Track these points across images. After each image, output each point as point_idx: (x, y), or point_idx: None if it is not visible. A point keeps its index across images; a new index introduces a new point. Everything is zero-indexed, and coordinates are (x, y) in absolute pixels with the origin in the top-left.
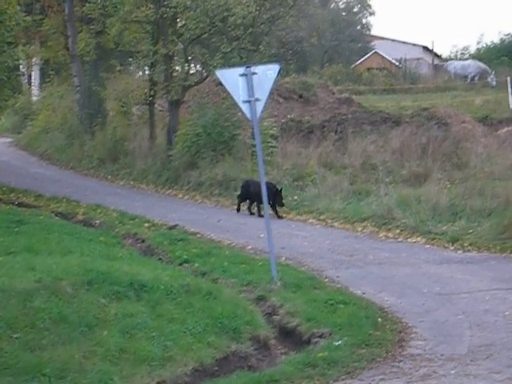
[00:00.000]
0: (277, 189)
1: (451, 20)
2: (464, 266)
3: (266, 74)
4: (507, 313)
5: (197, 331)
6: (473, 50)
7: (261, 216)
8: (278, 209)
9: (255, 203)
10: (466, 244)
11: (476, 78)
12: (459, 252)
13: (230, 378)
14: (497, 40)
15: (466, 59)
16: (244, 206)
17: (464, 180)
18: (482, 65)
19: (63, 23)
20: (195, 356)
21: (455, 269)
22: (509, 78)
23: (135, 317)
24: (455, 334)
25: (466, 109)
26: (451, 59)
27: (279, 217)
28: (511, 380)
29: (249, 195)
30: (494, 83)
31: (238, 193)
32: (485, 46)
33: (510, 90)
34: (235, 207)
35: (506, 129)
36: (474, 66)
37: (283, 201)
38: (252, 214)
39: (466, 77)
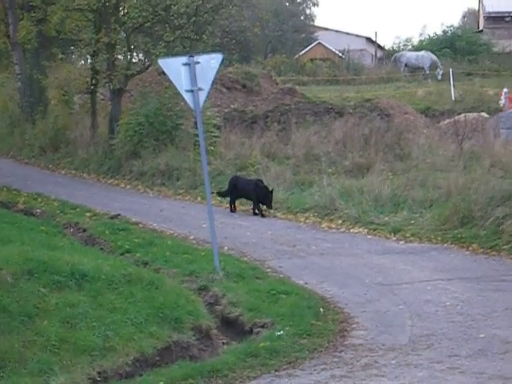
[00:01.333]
0: (267, 189)
1: (394, 11)
2: (406, 256)
3: (209, 63)
4: (448, 303)
5: (138, 321)
6: (416, 41)
7: (256, 214)
8: (262, 207)
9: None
10: (407, 235)
11: (428, 70)
12: (401, 242)
13: (171, 368)
14: (439, 32)
15: (419, 50)
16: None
17: (406, 171)
18: (433, 56)
19: (4, 10)
20: (136, 346)
21: (397, 259)
22: (451, 70)
23: (76, 307)
24: (396, 324)
25: (408, 100)
26: (394, 50)
27: (262, 215)
28: (452, 370)
29: (236, 192)
30: (440, 77)
31: (223, 189)
32: (427, 37)
33: (452, 81)
34: (178, 197)
35: (447, 120)
36: (427, 57)
37: (272, 203)
38: (232, 211)
39: (419, 68)
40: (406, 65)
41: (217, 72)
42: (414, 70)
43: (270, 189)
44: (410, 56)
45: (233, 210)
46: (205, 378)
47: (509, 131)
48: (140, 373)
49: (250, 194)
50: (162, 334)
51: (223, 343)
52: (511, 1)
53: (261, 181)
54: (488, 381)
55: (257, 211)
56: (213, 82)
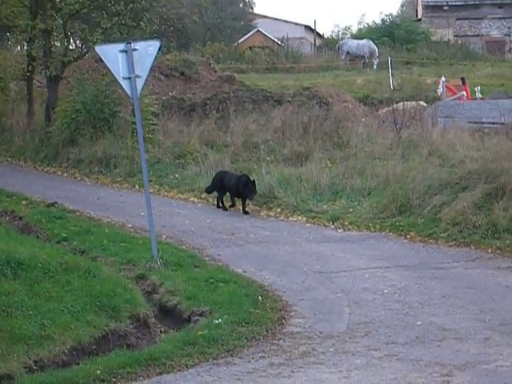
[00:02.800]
0: (249, 180)
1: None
2: (344, 244)
3: (147, 50)
4: (386, 291)
5: (75, 310)
6: (354, 30)
7: (246, 213)
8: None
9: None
10: (346, 223)
11: (367, 59)
12: (339, 231)
13: (108, 357)
14: (378, 20)
15: (359, 39)
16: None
17: (345, 159)
18: (373, 45)
19: None
20: (73, 335)
21: (335, 247)
22: (389, 59)
23: (12, 295)
24: (334, 311)
25: (347, 88)
26: (333, 39)
27: (245, 212)
28: (389, 357)
29: (222, 187)
30: (375, 67)
31: (208, 185)
32: (366, 26)
33: (390, 70)
34: (116, 185)
35: (386, 109)
36: (367, 45)
37: (253, 194)
38: (220, 207)
39: (360, 56)
40: (347, 53)
41: (154, 59)
42: (355, 58)
43: (252, 179)
44: (351, 44)
45: (220, 206)
46: (142, 367)
47: (446, 120)
48: (77, 361)
49: (232, 188)
50: (99, 323)
51: (161, 332)
52: None
53: (245, 175)
54: (425, 368)
55: (247, 209)
56: (150, 70)
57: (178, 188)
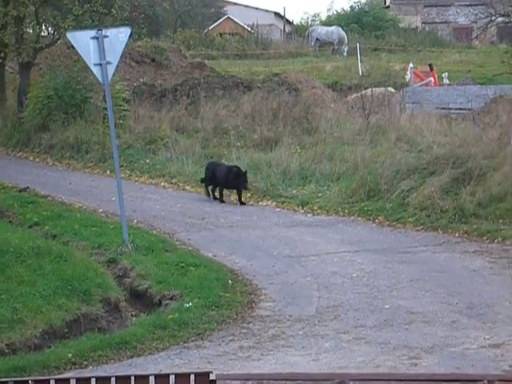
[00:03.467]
0: (241, 171)
1: None
2: (313, 228)
3: (118, 37)
4: (354, 275)
5: (47, 293)
6: (324, 16)
7: (242, 203)
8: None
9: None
10: (315, 207)
11: (339, 45)
12: (309, 215)
13: (79, 340)
14: (347, 7)
15: (328, 25)
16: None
17: (314, 145)
18: (342, 32)
19: None
20: (45, 318)
21: (305, 232)
22: (358, 45)
23: None
24: (304, 295)
25: (316, 75)
26: (303, 26)
27: (241, 203)
28: (357, 340)
29: (214, 179)
30: (345, 53)
31: (202, 176)
32: (335, 13)
33: (359, 56)
34: (87, 170)
35: (354, 95)
36: (336, 32)
37: (247, 184)
38: (216, 199)
39: (330, 43)
40: (317, 39)
41: (125, 46)
42: (325, 44)
43: (244, 170)
44: (321, 31)
45: (215, 197)
46: (113, 350)
47: (414, 105)
48: (48, 345)
49: (224, 180)
50: (71, 307)
51: (132, 315)
52: None
53: (236, 166)
54: (393, 351)
55: (219, 196)
56: (121, 56)
57: (148, 173)
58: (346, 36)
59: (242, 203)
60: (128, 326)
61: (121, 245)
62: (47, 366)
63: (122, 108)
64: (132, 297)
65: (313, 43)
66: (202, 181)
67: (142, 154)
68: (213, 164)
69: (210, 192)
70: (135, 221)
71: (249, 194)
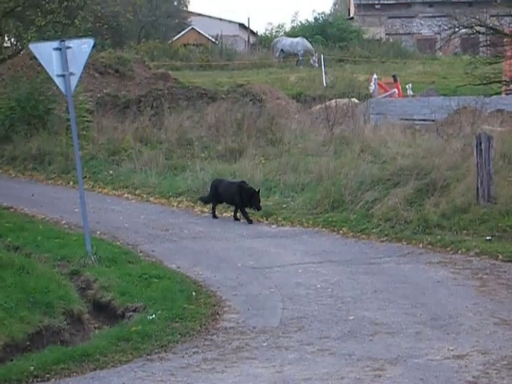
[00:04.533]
0: (254, 190)
1: None
2: (277, 240)
3: (81, 48)
4: (319, 286)
5: (8, 306)
6: (288, 28)
7: (237, 219)
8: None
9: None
10: (279, 218)
11: (303, 56)
12: (273, 226)
13: (42, 353)
14: (311, 18)
15: (293, 36)
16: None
17: (278, 155)
18: (307, 44)
19: None
20: (7, 331)
21: (269, 243)
22: (322, 56)
23: None
24: (268, 306)
25: (280, 86)
26: (267, 37)
27: (249, 221)
28: (322, 351)
29: (218, 196)
30: (317, 65)
31: (206, 194)
32: (299, 24)
33: (323, 67)
34: (50, 181)
35: (318, 106)
36: (302, 44)
37: (260, 204)
38: (215, 217)
39: (295, 54)
40: (282, 50)
41: (89, 57)
42: (289, 56)
43: (257, 189)
44: (286, 42)
45: (216, 216)
46: (76, 363)
47: (378, 117)
48: (10, 358)
49: (234, 197)
50: (33, 319)
51: (95, 328)
52: None
53: (244, 182)
54: (357, 362)
55: (238, 216)
56: (84, 67)
57: (112, 184)
58: (312, 47)
59: (237, 219)
60: (91, 339)
61: (84, 256)
62: (9, 379)
63: (86, 119)
64: (95, 309)
65: (277, 54)
66: (202, 200)
67: (105, 165)
68: (218, 181)
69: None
70: (98, 232)
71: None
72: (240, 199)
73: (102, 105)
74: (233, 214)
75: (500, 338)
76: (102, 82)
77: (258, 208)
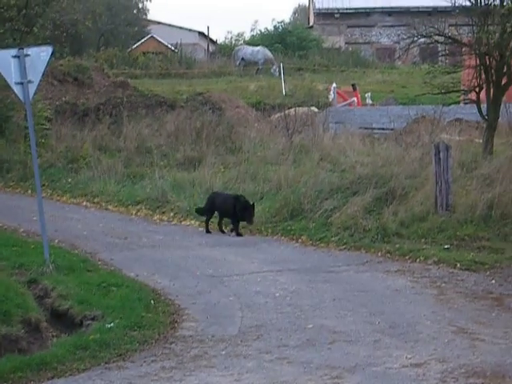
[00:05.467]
0: (249, 204)
1: (226, 6)
2: (236, 248)
3: (39, 56)
4: (277, 294)
5: None
6: (247, 36)
7: (239, 235)
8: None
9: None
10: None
11: (264, 65)
12: (232, 235)
13: None
14: (270, 27)
15: (254, 45)
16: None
17: (237, 164)
18: (268, 53)
19: None
20: None
21: (228, 251)
22: (282, 65)
23: None
24: (226, 315)
25: (240, 94)
26: (226, 45)
27: (238, 234)
28: (280, 360)
29: (214, 209)
30: (277, 73)
31: (201, 206)
32: (259, 32)
33: (283, 76)
34: (8, 189)
35: (278, 114)
36: (262, 52)
37: (253, 218)
38: (223, 232)
39: (255, 63)
40: (242, 59)
41: (47, 64)
42: (250, 64)
43: (251, 202)
44: (246, 51)
45: (209, 230)
46: (34, 371)
47: (337, 125)
48: None
49: (229, 210)
50: None
51: (53, 336)
52: None
53: (242, 196)
54: (315, 370)
55: (225, 229)
56: (43, 75)
57: (70, 192)
58: (272, 56)
59: (239, 234)
60: (49, 347)
61: (42, 265)
62: None
63: (44, 127)
64: (53, 317)
65: (238, 63)
66: (197, 211)
67: (63, 174)
68: (215, 194)
69: (218, 224)
70: (57, 240)
71: (172, 214)
72: (234, 211)
73: (61, 113)
74: (218, 225)
75: (458, 347)
76: (60, 89)
77: (250, 222)
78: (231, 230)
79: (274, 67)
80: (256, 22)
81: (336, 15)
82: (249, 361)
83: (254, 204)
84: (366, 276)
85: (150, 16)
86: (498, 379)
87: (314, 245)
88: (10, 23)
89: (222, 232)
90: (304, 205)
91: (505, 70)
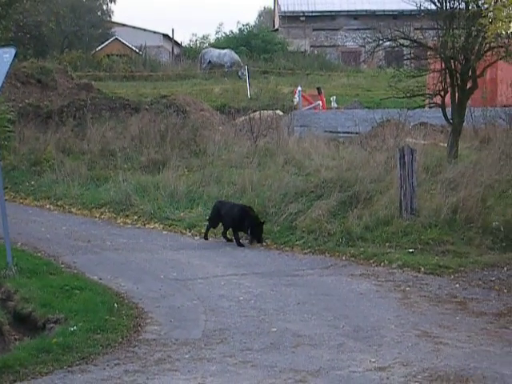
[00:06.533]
0: (258, 220)
1: (191, 9)
2: (201, 251)
3: (2, 57)
4: (242, 298)
5: None
6: (212, 39)
7: (240, 245)
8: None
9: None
10: (203, 230)
11: (230, 68)
12: (196, 238)
13: None
14: (236, 30)
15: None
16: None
17: (202, 167)
18: (235, 56)
19: None
20: None
21: (192, 255)
22: (247, 68)
23: None
24: (190, 318)
25: (205, 97)
26: (191, 48)
27: (240, 245)
28: (244, 363)
29: (219, 219)
30: (244, 76)
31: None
32: (224, 35)
33: (248, 79)
34: None
35: (242, 117)
36: (229, 55)
37: (262, 235)
38: (229, 240)
39: (221, 65)
40: (209, 62)
41: (10, 66)
42: (216, 67)
43: (262, 221)
44: (213, 54)
45: (207, 237)
46: None
47: (302, 129)
48: None
49: (235, 220)
50: None
51: (15, 339)
52: (306, 0)
53: (251, 208)
54: (279, 374)
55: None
56: (6, 77)
57: (33, 195)
58: (239, 59)
59: (240, 244)
60: (11, 350)
61: (4, 268)
62: None
63: (7, 129)
64: (16, 320)
65: (205, 65)
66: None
67: (26, 176)
68: (219, 203)
69: (222, 234)
70: (19, 243)
71: (135, 217)
72: (242, 224)
73: (24, 115)
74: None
75: (421, 350)
76: (23, 91)
77: (260, 241)
78: (250, 242)
79: (242, 70)
80: (221, 24)
81: (301, 18)
82: (212, 364)
83: (263, 222)
84: (331, 280)
85: (115, 18)
86: (461, 383)
87: (279, 248)
88: None
89: (228, 240)
90: (268, 208)
91: (470, 74)
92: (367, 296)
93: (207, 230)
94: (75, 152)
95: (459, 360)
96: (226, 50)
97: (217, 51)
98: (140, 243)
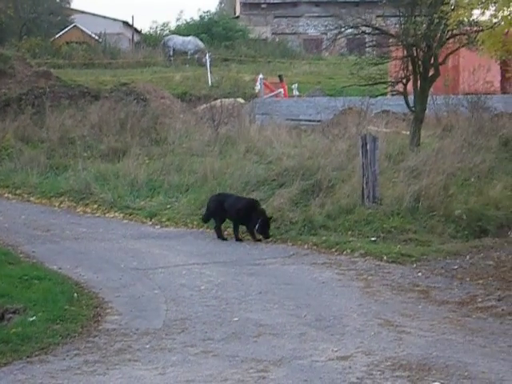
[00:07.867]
0: (265, 215)
1: None
2: (161, 241)
3: None
4: (203, 287)
5: None
6: (173, 26)
7: (238, 240)
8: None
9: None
10: (163, 219)
11: (195, 55)
12: (157, 227)
13: None
14: (196, 17)
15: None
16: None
17: (162, 155)
18: (200, 43)
19: None
20: None
21: (153, 244)
22: (208, 55)
23: None
24: (151, 308)
25: (165, 85)
26: (151, 35)
27: (238, 239)
28: (205, 353)
29: (224, 213)
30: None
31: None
32: (185, 22)
33: (208, 67)
34: None
35: (203, 105)
36: (193, 42)
37: (269, 232)
38: (224, 239)
39: (185, 53)
40: (173, 49)
41: None
42: (180, 54)
43: (270, 217)
44: (177, 41)
45: (221, 235)
46: None
47: (264, 117)
48: None
49: (240, 214)
50: None
51: None
52: None
53: (257, 202)
54: (241, 364)
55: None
56: None
57: None
58: (203, 46)
59: (239, 239)
60: None
61: None
62: None
63: None
64: None
65: (171, 52)
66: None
67: None
68: (222, 196)
69: (216, 228)
70: None
71: (95, 206)
72: (249, 218)
73: None
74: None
75: (384, 339)
76: None
77: (267, 236)
78: (254, 238)
79: (206, 57)
80: (181, 11)
81: (263, 5)
82: (173, 354)
83: (271, 218)
84: (293, 269)
85: (74, 5)
86: (423, 372)
87: (241, 237)
88: None
89: (223, 239)
90: None
91: (432, 62)
92: (329, 285)
93: (218, 228)
94: (34, 140)
95: (422, 349)
96: (190, 37)
97: (180, 38)
98: (100, 232)
